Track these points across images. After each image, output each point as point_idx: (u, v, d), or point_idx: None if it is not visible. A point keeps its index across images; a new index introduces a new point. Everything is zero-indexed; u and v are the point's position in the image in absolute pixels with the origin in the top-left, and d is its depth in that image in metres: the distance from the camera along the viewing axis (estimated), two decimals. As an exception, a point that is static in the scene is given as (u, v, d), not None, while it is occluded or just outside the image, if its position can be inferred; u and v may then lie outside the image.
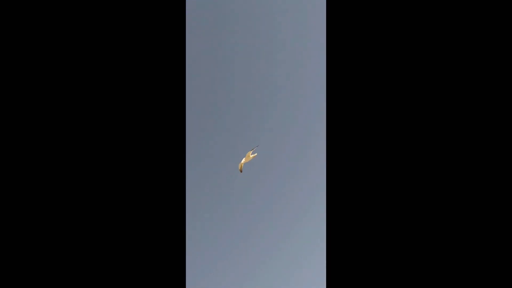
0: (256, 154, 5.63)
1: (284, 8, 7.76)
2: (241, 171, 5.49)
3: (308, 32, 7.79)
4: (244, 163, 5.56)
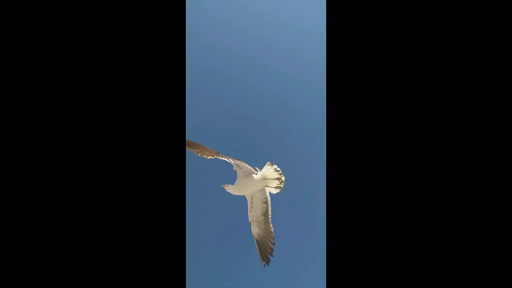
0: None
1: (284, 8, 7.76)
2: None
3: (308, 32, 7.79)
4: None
